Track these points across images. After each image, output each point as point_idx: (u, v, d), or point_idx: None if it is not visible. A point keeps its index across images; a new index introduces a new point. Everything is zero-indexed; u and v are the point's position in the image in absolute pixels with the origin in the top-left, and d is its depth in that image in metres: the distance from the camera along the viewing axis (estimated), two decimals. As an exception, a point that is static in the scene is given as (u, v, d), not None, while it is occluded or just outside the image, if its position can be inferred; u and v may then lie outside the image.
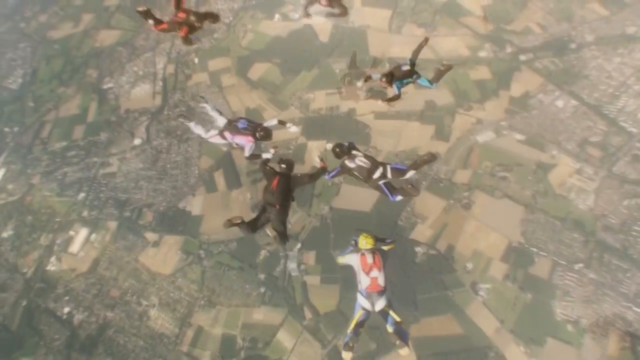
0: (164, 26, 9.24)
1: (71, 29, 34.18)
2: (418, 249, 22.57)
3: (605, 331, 19.36)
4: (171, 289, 23.44)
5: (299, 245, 23.53)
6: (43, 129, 29.57)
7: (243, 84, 28.65)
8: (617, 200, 22.08)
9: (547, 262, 21.19)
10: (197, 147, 27.16)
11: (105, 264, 24.32)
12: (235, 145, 9.39)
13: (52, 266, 24.52)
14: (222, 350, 21.89)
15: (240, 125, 9.21)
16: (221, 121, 9.53)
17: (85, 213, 25.95)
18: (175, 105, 28.93)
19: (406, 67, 9.98)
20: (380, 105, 10.26)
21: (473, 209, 23.10)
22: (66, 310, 23.30)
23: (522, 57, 27.26)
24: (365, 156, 9.33)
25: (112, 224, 25.41)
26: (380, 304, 7.61)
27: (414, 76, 10.07)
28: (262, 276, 23.16)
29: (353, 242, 8.18)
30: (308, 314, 22.06)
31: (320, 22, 26.53)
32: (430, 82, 10.28)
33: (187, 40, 9.34)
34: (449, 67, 10.39)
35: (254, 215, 9.68)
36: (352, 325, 7.72)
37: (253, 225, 9.40)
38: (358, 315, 7.77)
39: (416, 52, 10.12)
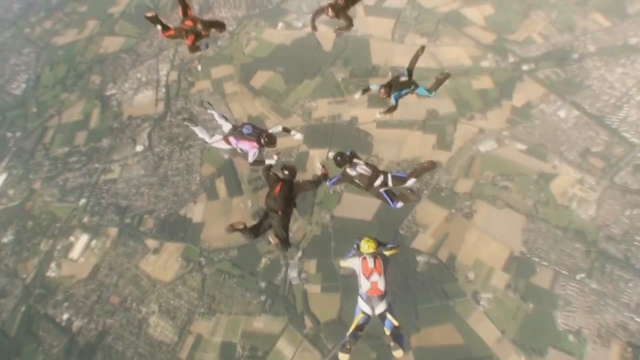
0: (171, 32, 9.56)
1: (75, 36, 35.07)
2: (419, 258, 22.92)
3: (607, 341, 19.56)
4: (171, 296, 23.77)
5: (300, 254, 23.90)
6: (45, 135, 30.24)
7: (246, 91, 29.31)
8: (619, 210, 22.43)
9: (548, 272, 21.51)
10: (198, 154, 27.74)
11: (106, 270, 24.70)
12: (239, 151, 9.62)
13: (52, 272, 24.92)
14: (221, 358, 22.16)
15: (245, 130, 9.42)
16: (226, 127, 9.78)
17: (86, 219, 26.42)
18: (177, 112, 29.57)
19: (404, 78, 10.26)
20: (378, 115, 10.50)
21: (475, 218, 23.47)
22: (65, 316, 23.65)
23: (524, 67, 27.87)
24: (367, 164, 9.51)
25: (113, 230, 25.87)
26: (380, 308, 7.72)
27: (412, 86, 10.35)
28: (262, 284, 23.51)
29: (355, 245, 8.37)
30: (308, 323, 22.36)
31: (324, 31, 27.13)
32: (429, 90, 10.54)
33: (193, 48, 9.70)
34: (447, 76, 10.68)
35: (255, 222, 9.96)
36: (351, 328, 7.85)
37: (255, 231, 9.59)
38: (358, 318, 7.89)
39: (413, 61, 10.41)
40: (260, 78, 29.65)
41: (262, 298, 23.16)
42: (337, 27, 10.75)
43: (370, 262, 7.91)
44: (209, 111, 10.07)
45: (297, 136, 10.13)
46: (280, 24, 31.92)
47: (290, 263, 23.67)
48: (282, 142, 9.00)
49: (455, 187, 24.39)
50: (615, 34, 28.24)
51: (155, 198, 26.64)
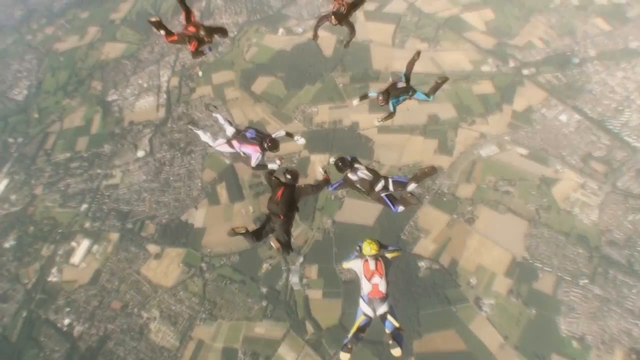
0: (174, 38, 9.72)
1: (77, 42, 35.56)
2: (421, 264, 23.06)
3: (610, 348, 19.61)
4: (172, 301, 23.93)
5: (301, 259, 24.05)
6: (47, 140, 30.60)
7: (247, 97, 29.65)
8: (621, 215, 22.58)
9: (551, 278, 21.64)
10: (200, 159, 28.02)
11: (107, 275, 24.90)
12: (242, 154, 9.76)
13: (53, 277, 25.14)
14: (222, 364, 22.27)
15: (248, 134, 9.53)
16: (230, 130, 9.90)
17: (87, 224, 26.67)
18: (179, 117, 29.90)
19: (401, 84, 10.37)
20: (377, 123, 10.59)
21: (476, 223, 23.64)
22: (67, 321, 23.83)
23: (525, 72, 28.17)
24: (368, 169, 9.58)
25: (114, 236, 26.10)
26: (381, 310, 7.80)
27: (410, 92, 10.46)
28: (264, 290, 23.66)
29: (358, 247, 8.45)
30: (310, 329, 22.47)
31: (324, 37, 27.48)
32: (427, 94, 10.67)
33: (196, 54, 9.89)
34: (445, 79, 10.80)
35: (257, 227, 10.06)
36: (353, 330, 7.93)
37: (258, 235, 9.68)
38: (359, 320, 7.97)
39: (410, 66, 10.54)
40: (261, 83, 30.03)
41: (264, 303, 23.30)
42: (345, 42, 10.93)
43: (372, 264, 7.98)
44: (213, 114, 10.21)
45: (301, 141, 10.24)
46: (281, 30, 32.35)
47: (291, 268, 23.83)
48: (283, 147, 9.15)
49: (457, 192, 24.59)
50: (615, 38, 28.57)
51: (157, 203, 26.88)
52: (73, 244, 26.00)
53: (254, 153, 9.54)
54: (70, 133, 30.57)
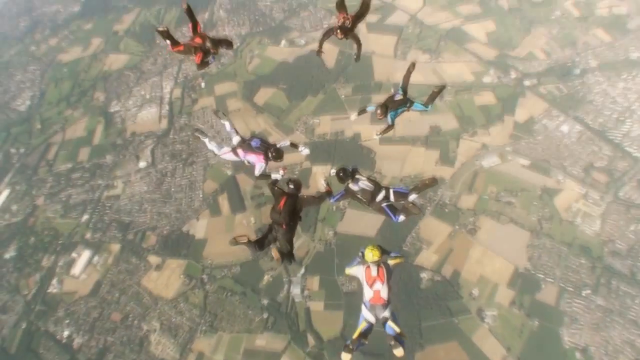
0: (180, 48, 9.96)
1: (80, 53, 36.63)
2: (423, 275, 23.47)
3: (614, 359, 19.81)
4: (173, 313, 24.32)
5: (302, 270, 24.48)
6: (49, 151, 31.38)
7: (249, 108, 30.45)
8: (623, 225, 23.02)
9: (553, 288, 22.01)
10: (201, 170, 28.69)
11: (107, 287, 25.36)
12: (247, 163, 10.07)
13: (53, 288, 25.62)
14: (223, 377, 22.59)
15: (253, 144, 9.85)
16: (235, 139, 10.22)
17: (88, 235, 27.24)
18: (181, 128, 30.65)
19: (399, 96, 10.71)
20: (375, 136, 10.89)
21: (478, 234, 24.09)
22: (66, 333, 24.23)
23: (527, 83, 28.92)
24: (369, 179, 9.83)
25: (115, 247, 26.64)
26: (383, 317, 8.12)
27: (408, 104, 10.84)
28: (265, 301, 24.06)
29: (360, 253, 8.78)
30: (311, 341, 22.81)
31: (327, 49, 28.32)
32: (425, 105, 11.05)
33: (201, 65, 10.22)
34: (441, 88, 11.17)
35: (259, 237, 10.42)
36: (354, 335, 8.22)
37: (260, 244, 9.98)
38: (361, 326, 8.28)
39: (406, 79, 10.87)
40: (264, 95, 30.86)
41: (265, 315, 23.68)
42: (355, 56, 11.36)
43: (374, 271, 8.27)
44: (222, 121, 10.51)
45: (305, 151, 10.55)
46: (284, 42, 33.33)
47: (293, 280, 24.22)
48: (285, 158, 9.58)
49: (459, 203, 25.10)
50: (616, 49, 29.36)
51: (158, 214, 27.45)
52: (74, 255, 26.55)
53: (258, 162, 9.83)
54: (72, 144, 31.38)
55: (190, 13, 9.13)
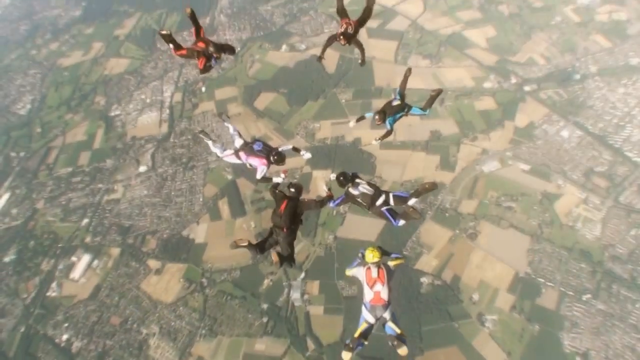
0: (183, 52, 10.11)
1: (81, 57, 37.24)
2: (423, 279, 23.75)
3: (614, 364, 20.07)
4: (172, 317, 24.58)
5: (302, 275, 24.77)
6: (49, 155, 31.84)
7: (249, 113, 30.94)
8: (624, 229, 23.36)
9: (554, 293, 22.30)
10: (202, 175, 29.11)
11: (107, 290, 25.64)
12: (249, 166, 10.33)
13: (52, 292, 25.89)
14: (222, 381, 22.79)
15: (255, 147, 10.12)
16: (238, 142, 10.48)
17: (88, 239, 27.58)
18: (181, 133, 31.07)
19: (396, 102, 10.93)
20: (374, 142, 11.09)
21: (479, 239, 24.43)
22: (65, 337, 24.48)
23: (527, 88, 29.43)
24: (369, 184, 10.04)
25: (115, 251, 26.96)
26: (383, 318, 8.35)
27: (406, 109, 11.07)
28: (264, 306, 24.32)
29: (360, 255, 9.02)
30: (311, 345, 23.01)
31: (327, 54, 28.80)
32: (423, 109, 11.30)
33: (204, 70, 10.40)
34: (439, 91, 11.39)
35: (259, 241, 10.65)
36: (355, 335, 8.42)
37: (261, 247, 10.23)
38: (362, 327, 8.50)
39: (403, 84, 11.10)
40: (264, 99, 31.36)
41: (264, 320, 23.91)
42: (360, 61, 11.56)
43: (374, 272, 8.51)
44: (225, 124, 10.74)
45: (307, 155, 10.82)
46: (284, 46, 33.91)
47: (292, 284, 24.51)
48: (286, 162, 9.83)
49: (459, 208, 25.46)
50: (616, 54, 29.92)
51: (158, 218, 27.80)
52: (73, 258, 26.87)
53: (260, 166, 10.08)
54: (72, 148, 31.84)
55: (193, 17, 9.27)
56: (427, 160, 27.35)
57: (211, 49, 10.05)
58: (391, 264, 8.63)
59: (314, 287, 24.49)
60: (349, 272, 9.03)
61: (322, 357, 22.59)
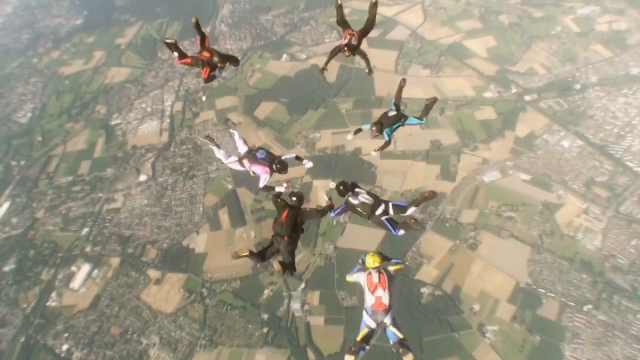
0: (187, 60, 10.45)
1: (82, 66, 38.03)
2: (424, 290, 24.10)
3: (615, 375, 20.33)
4: (172, 327, 24.90)
5: (302, 285, 25.12)
6: (50, 163, 32.44)
7: (250, 122, 31.54)
8: (625, 240, 23.74)
9: (555, 304, 22.63)
10: (202, 184, 29.62)
11: (107, 300, 26.02)
12: (252, 174, 10.67)
13: (52, 302, 26.27)
14: (222, 392, 23.09)
15: (259, 155, 10.43)
16: (242, 149, 10.84)
17: (88, 248, 28.02)
18: (181, 142, 31.65)
19: (393, 113, 11.25)
20: (374, 153, 11.40)
21: (479, 249, 24.81)
22: (65, 347, 24.82)
23: (527, 98, 30.02)
24: (368, 193, 10.34)
25: (115, 260, 27.38)
26: (384, 322, 8.64)
27: (402, 119, 11.38)
28: (265, 316, 24.64)
29: (360, 260, 9.32)
30: (311, 356, 23.30)
31: (328, 64, 29.37)
32: (419, 118, 11.60)
33: (208, 79, 10.75)
34: (433, 100, 11.71)
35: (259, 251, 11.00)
36: (357, 339, 8.70)
37: (262, 255, 10.60)
38: (363, 332, 8.78)
39: (398, 95, 11.40)
40: (264, 109, 31.97)
41: (265, 330, 24.20)
42: (367, 70, 11.88)
43: (375, 277, 8.80)
44: (230, 130, 11.11)
45: (308, 164, 11.15)
46: (285, 56, 34.60)
47: (293, 294, 24.83)
48: (288, 171, 10.14)
49: (460, 218, 25.87)
50: (616, 64, 30.54)
51: (158, 228, 28.23)
52: (73, 268, 27.28)
53: (262, 174, 10.42)
54: (73, 156, 32.41)
55: (198, 27, 9.62)
56: (427, 170, 27.82)
57: (216, 58, 10.41)
58: (391, 268, 8.77)
59: (314, 297, 24.80)
60: (350, 277, 9.33)
61: (323, 368, 22.93)
